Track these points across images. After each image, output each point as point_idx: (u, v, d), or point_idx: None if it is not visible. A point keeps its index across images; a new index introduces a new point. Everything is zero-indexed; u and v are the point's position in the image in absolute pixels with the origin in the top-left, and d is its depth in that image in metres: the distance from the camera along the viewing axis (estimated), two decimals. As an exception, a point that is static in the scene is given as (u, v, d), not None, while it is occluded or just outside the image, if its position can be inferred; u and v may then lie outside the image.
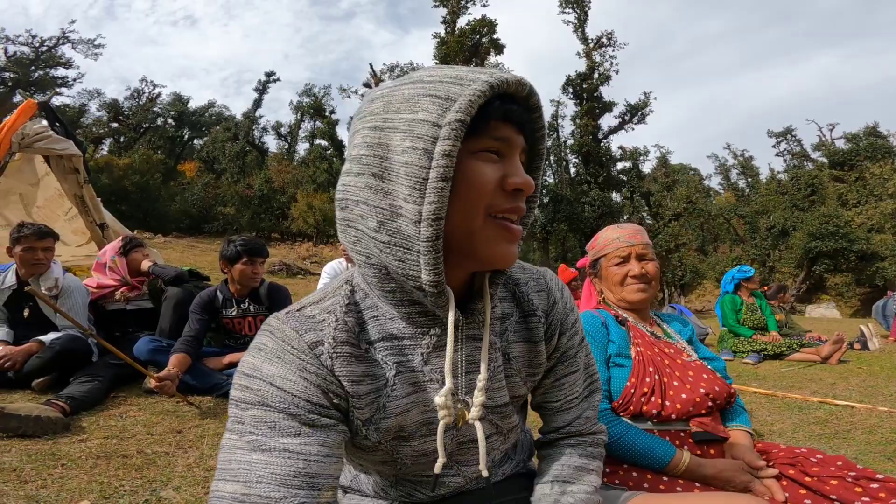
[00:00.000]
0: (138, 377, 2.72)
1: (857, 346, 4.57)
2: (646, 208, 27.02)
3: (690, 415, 1.39)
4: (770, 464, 1.25)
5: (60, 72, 30.84)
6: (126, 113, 35.42)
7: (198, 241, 23.47)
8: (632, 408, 1.42)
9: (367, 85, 32.01)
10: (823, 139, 33.60)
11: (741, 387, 3.20)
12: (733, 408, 1.51)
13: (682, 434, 1.39)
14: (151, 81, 38.68)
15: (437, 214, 0.58)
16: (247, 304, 2.93)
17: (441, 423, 0.67)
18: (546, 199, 25.89)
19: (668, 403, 1.40)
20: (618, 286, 1.62)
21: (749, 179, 37.30)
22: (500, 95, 0.61)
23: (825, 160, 31.41)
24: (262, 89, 36.46)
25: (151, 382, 2.40)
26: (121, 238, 3.54)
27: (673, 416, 1.38)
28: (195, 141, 39.21)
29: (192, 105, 38.53)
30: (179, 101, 37.50)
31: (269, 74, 36.69)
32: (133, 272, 3.34)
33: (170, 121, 37.40)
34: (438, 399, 0.66)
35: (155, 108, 36.57)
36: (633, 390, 1.43)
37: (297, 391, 0.62)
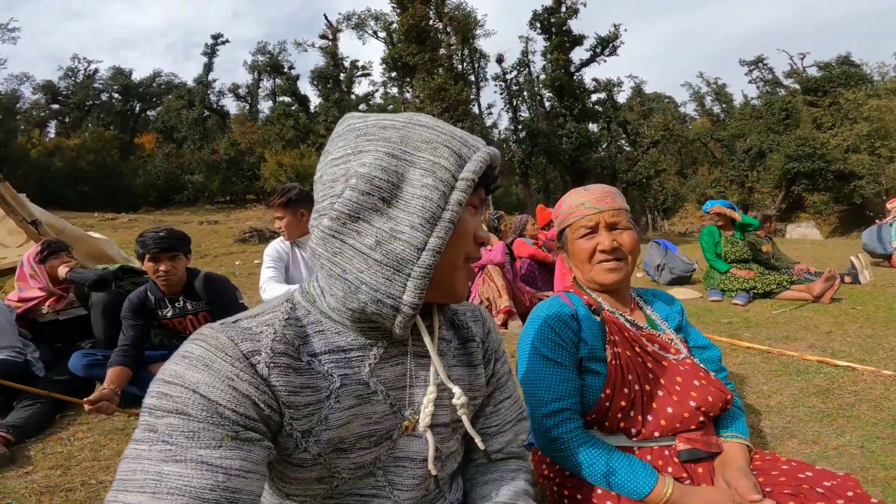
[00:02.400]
0: (90, 389, 2.49)
1: (847, 279, 4.45)
2: (623, 136, 27.09)
3: (677, 431, 1.14)
4: (768, 490, 1.02)
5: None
6: (65, 93, 34.53)
7: (167, 213, 22.71)
8: (607, 423, 1.17)
9: (323, 37, 30.57)
10: (795, 67, 34.38)
11: (733, 340, 3.01)
12: (729, 411, 1.25)
13: (667, 452, 1.15)
14: (85, 58, 39.28)
15: (439, 248, 0.66)
16: (182, 303, 2.59)
17: (398, 431, 0.77)
18: (523, 135, 26.07)
19: (650, 419, 1.15)
20: (585, 264, 1.31)
21: (723, 105, 38.27)
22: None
23: (798, 87, 32.09)
24: (210, 53, 35.76)
25: (86, 407, 2.15)
26: (38, 244, 3.22)
27: (656, 434, 1.13)
28: (148, 113, 38.72)
29: (137, 77, 37.75)
30: (121, 74, 36.63)
31: (215, 37, 36.00)
32: (54, 280, 3.02)
33: (115, 95, 36.68)
34: (429, 396, 0.75)
35: (95, 85, 35.82)
36: (608, 403, 1.16)
37: (224, 400, 0.60)
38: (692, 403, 1.14)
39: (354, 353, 0.73)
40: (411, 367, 0.78)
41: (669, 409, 1.14)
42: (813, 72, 31.92)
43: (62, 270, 2.97)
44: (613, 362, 1.20)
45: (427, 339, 0.75)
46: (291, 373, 0.67)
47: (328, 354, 0.71)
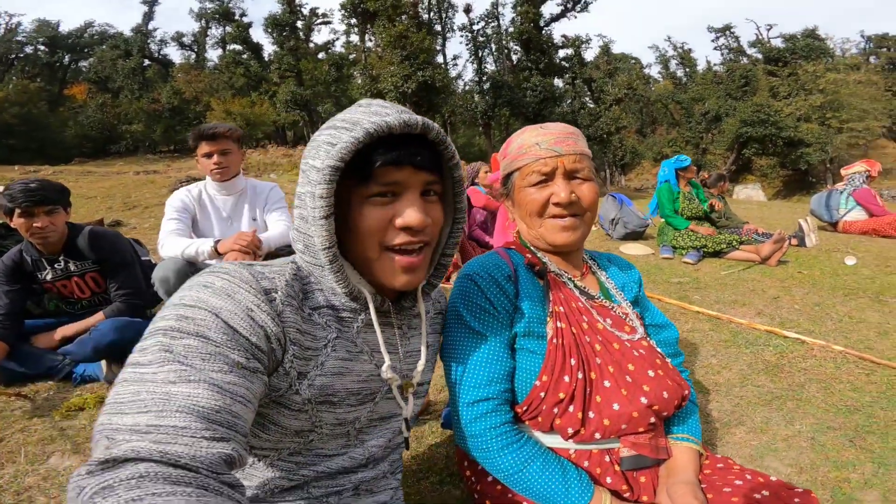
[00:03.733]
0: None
1: (794, 241, 4.46)
2: (588, 93, 27.06)
3: (622, 433, 0.92)
4: None
5: None
6: None
7: (101, 164, 21.09)
8: (540, 418, 0.94)
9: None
10: (760, 37, 35.30)
11: (683, 304, 2.92)
12: (683, 407, 1.05)
13: (607, 458, 0.94)
14: (6, 12, 36.84)
15: (325, 245, 0.72)
16: (63, 263, 2.21)
17: (393, 386, 0.85)
18: (487, 86, 26.01)
19: (591, 417, 0.92)
20: (534, 217, 1.05)
21: (687, 70, 39.59)
22: (391, 140, 0.72)
23: (760, 56, 33.04)
24: (151, 1, 34.49)
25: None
26: None
27: (597, 436, 0.91)
28: (80, 64, 37.36)
29: (66, 28, 36.67)
30: (48, 26, 35.17)
31: None
32: None
33: (41, 48, 35.29)
34: (384, 373, 0.81)
35: (18, 38, 34.50)
36: (542, 394, 0.93)
37: (242, 328, 0.64)
38: (643, 401, 0.92)
39: (346, 314, 0.80)
40: (398, 338, 0.88)
41: (616, 406, 0.92)
42: (778, 43, 32.73)
43: None
44: (555, 341, 0.96)
45: (422, 307, 0.90)
46: (300, 315, 0.73)
47: (326, 309, 0.77)
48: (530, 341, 0.98)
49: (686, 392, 0.99)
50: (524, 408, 0.96)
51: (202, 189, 2.37)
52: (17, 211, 2.04)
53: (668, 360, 1.06)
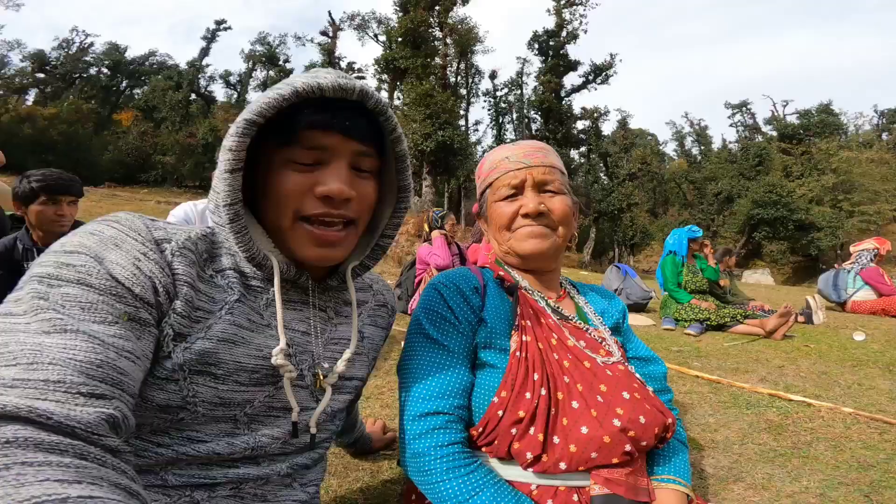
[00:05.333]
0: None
1: (801, 318, 4.36)
2: (602, 168, 27.38)
3: (593, 464, 0.81)
4: None
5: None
6: (53, 63, 34.48)
7: (129, 190, 21.78)
8: (497, 441, 0.83)
9: (323, 33, 30.42)
10: (776, 114, 36.06)
11: (682, 368, 2.81)
12: (668, 444, 0.94)
13: (576, 497, 0.82)
14: (83, 31, 38.38)
15: (226, 201, 0.67)
16: None
17: (286, 378, 0.71)
18: None
19: (556, 441, 0.82)
20: (503, 231, 1.01)
21: (702, 147, 40.13)
22: (322, 103, 0.68)
23: (775, 133, 33.52)
24: (210, 37, 36.41)
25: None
26: None
27: (562, 466, 0.80)
28: (135, 91, 38.81)
29: (131, 54, 38.00)
30: (115, 50, 36.86)
31: (219, 23, 36.63)
32: None
33: (104, 70, 36.77)
34: (276, 359, 0.69)
35: (87, 58, 35.82)
36: (500, 412, 0.83)
37: (126, 278, 0.58)
38: (616, 423, 0.82)
39: (256, 283, 0.73)
40: (313, 318, 0.79)
41: (584, 430, 0.81)
42: (793, 119, 33.38)
43: None
44: (518, 354, 0.89)
45: (352, 289, 0.82)
46: (194, 269, 0.66)
47: (233, 272, 0.70)
48: (491, 354, 0.91)
49: (669, 421, 0.89)
50: (480, 429, 0.86)
51: (208, 207, 2.43)
52: (42, 197, 2.07)
53: (650, 390, 0.96)
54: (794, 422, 1.98)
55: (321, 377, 0.77)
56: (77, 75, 35.16)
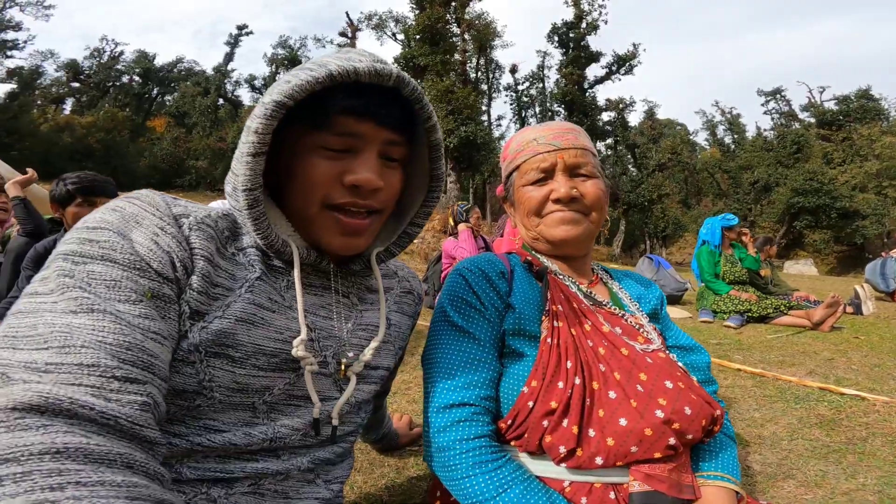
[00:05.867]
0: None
1: (849, 308, 4.12)
2: (630, 160, 26.74)
3: (632, 459, 0.74)
4: None
5: (10, 35, 29.89)
6: (87, 72, 35.47)
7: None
8: (527, 435, 0.78)
9: (342, 34, 30.71)
10: (813, 100, 34.51)
11: (722, 362, 2.68)
12: (715, 438, 0.87)
13: (612, 495, 0.75)
14: (113, 40, 39.97)
15: (245, 185, 0.63)
16: None
17: (307, 371, 0.68)
18: None
19: (591, 434, 0.76)
20: (532, 217, 0.96)
21: (735, 136, 38.84)
22: (356, 89, 0.64)
23: (812, 120, 32.18)
24: (233, 43, 36.94)
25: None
26: None
27: (599, 461, 0.74)
28: (166, 98, 39.77)
29: (160, 61, 38.80)
30: (145, 58, 37.67)
31: (240, 28, 37.12)
32: None
33: (136, 78, 37.60)
34: (297, 350, 0.66)
35: (118, 66, 36.73)
36: (531, 403, 0.78)
37: (146, 253, 0.57)
38: (659, 414, 0.75)
39: (278, 264, 0.70)
40: (336, 304, 0.76)
41: (623, 421, 0.75)
42: (831, 105, 31.97)
43: (12, 188, 2.65)
44: (549, 340, 0.83)
45: (378, 274, 0.79)
46: (212, 244, 0.64)
47: (254, 250, 0.68)
48: (520, 342, 0.86)
49: (718, 413, 0.81)
50: (508, 422, 0.81)
51: (225, 189, 2.45)
52: (79, 199, 2.13)
53: (695, 379, 0.89)
54: (848, 416, 1.85)
55: (345, 365, 0.74)
56: (110, 84, 36.26)
